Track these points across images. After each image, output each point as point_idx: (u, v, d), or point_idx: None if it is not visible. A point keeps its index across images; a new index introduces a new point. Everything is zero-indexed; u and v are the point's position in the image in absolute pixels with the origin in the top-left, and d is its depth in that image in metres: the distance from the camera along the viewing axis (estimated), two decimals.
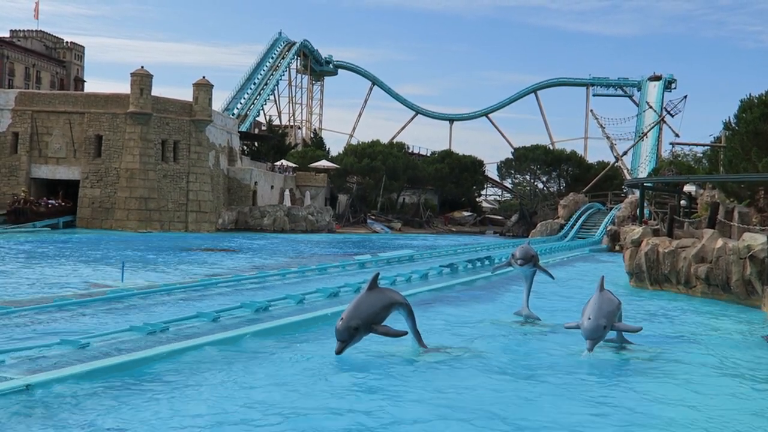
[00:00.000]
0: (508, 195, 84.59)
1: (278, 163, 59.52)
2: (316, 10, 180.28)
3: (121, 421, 6.20)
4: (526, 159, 71.78)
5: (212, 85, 45.84)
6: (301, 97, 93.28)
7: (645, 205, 34.29)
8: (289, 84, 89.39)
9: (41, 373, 7.30)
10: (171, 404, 6.74)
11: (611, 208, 49.26)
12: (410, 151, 75.56)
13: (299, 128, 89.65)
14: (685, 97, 75.01)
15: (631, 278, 19.04)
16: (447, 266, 20.13)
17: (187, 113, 45.01)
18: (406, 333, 9.01)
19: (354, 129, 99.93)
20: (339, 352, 8.21)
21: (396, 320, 9.16)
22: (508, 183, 79.40)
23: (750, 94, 27.19)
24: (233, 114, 69.50)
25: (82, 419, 6.20)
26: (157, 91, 43.72)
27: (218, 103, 74.45)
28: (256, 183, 51.23)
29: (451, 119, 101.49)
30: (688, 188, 32.43)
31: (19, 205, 39.32)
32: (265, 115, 79.54)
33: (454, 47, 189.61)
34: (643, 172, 71.48)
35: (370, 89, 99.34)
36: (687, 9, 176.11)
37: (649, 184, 36.04)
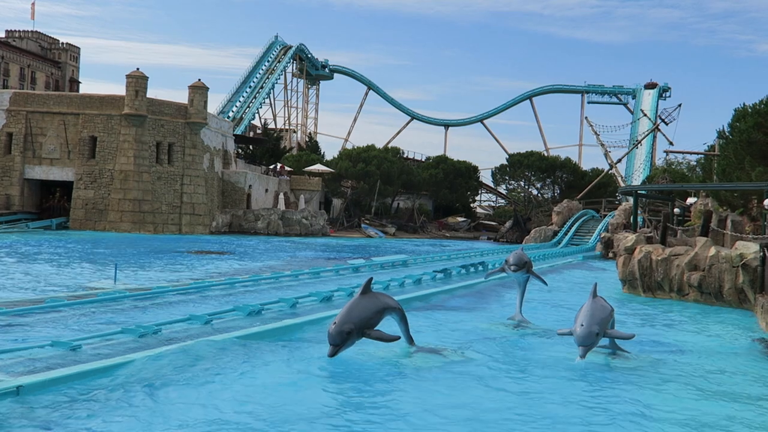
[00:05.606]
0: (502, 201, 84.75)
1: (273, 166, 59.50)
2: (309, 13, 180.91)
3: (113, 423, 6.17)
4: (520, 165, 71.98)
5: (207, 88, 45.79)
6: (297, 100, 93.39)
7: (639, 212, 34.38)
8: (285, 88, 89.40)
9: (32, 375, 7.26)
10: (160, 407, 6.71)
11: (605, 216, 49.38)
12: (405, 156, 75.66)
13: (294, 132, 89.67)
14: (680, 105, 75.56)
15: (624, 285, 19.07)
16: (440, 271, 20.12)
17: (182, 116, 44.95)
18: (399, 338, 9.00)
19: (349, 133, 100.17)
20: (331, 356, 8.19)
21: (389, 325, 9.14)
22: (502, 189, 79.61)
23: (744, 104, 27.34)
24: (228, 117, 69.44)
25: (73, 421, 6.17)
26: (150, 92, 43.76)
27: (213, 105, 74.48)
28: (250, 186, 51.17)
29: (446, 125, 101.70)
30: (691, 201, 32.48)
31: (54, 203, 43.11)
32: (260, 118, 79.58)
33: (448, 53, 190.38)
34: (637, 180, 71.74)
35: (366, 94, 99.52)
36: (678, 17, 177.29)
37: (642, 192, 36.17)
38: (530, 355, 9.98)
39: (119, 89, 44.97)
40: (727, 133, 28.53)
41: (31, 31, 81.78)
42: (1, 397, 6.50)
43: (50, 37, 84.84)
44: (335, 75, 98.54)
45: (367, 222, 62.25)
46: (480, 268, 22.02)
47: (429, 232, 65.44)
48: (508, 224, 64.25)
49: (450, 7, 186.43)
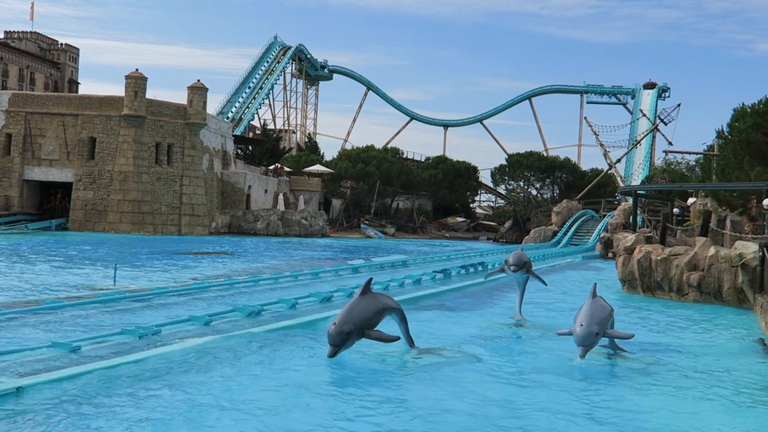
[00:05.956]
0: (501, 201, 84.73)
1: (272, 166, 59.48)
2: (308, 14, 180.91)
3: (113, 424, 6.17)
4: (520, 165, 71.95)
5: (207, 89, 45.74)
6: (296, 101, 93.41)
7: (638, 212, 34.39)
8: (284, 88, 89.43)
9: (32, 376, 7.26)
10: (158, 406, 6.71)
11: (604, 216, 49.38)
12: (404, 156, 75.67)
13: (294, 132, 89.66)
14: (679, 105, 75.60)
15: (624, 285, 19.09)
16: (440, 272, 20.13)
17: (182, 116, 44.93)
18: (398, 338, 9.00)
19: (348, 134, 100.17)
20: (331, 356, 8.20)
21: (389, 325, 9.15)
22: (501, 189, 79.58)
23: (743, 103, 27.34)
24: (228, 117, 69.45)
25: (72, 422, 6.17)
26: (149, 93, 43.70)
27: (213, 106, 74.46)
28: (249, 187, 51.16)
29: (446, 125, 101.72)
30: (692, 201, 32.48)
31: (56, 204, 43.65)
32: (259, 119, 79.59)
33: (447, 53, 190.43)
34: (636, 180, 71.77)
35: (365, 94, 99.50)
36: (677, 17, 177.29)
37: (642, 192, 36.21)
38: (530, 356, 9.98)
39: (118, 90, 44.98)
40: (726, 133, 28.55)
41: (30, 32, 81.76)
42: (1, 399, 6.49)
43: (49, 37, 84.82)
44: (334, 75, 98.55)
45: (367, 222, 62.23)
46: (479, 268, 22.02)
47: (428, 233, 65.42)
48: (507, 224, 64.23)
49: (449, 7, 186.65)
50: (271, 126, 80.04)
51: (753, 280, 15.27)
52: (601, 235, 38.06)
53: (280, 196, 54.99)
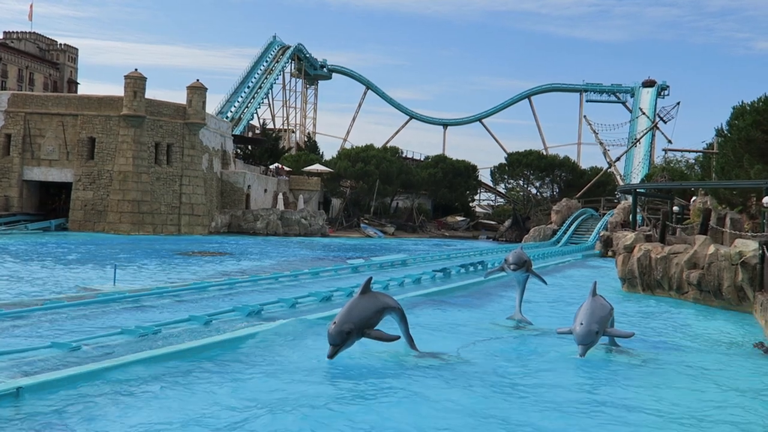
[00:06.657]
0: (501, 200, 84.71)
1: (272, 166, 59.47)
2: (307, 14, 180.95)
3: (109, 425, 6.17)
4: (519, 164, 71.95)
5: (206, 88, 45.69)
6: (295, 100, 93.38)
7: (638, 211, 34.39)
8: (284, 88, 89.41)
9: (32, 377, 7.26)
10: (159, 409, 6.71)
11: (604, 214, 49.38)
12: (404, 155, 75.61)
13: (293, 132, 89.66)
14: (678, 103, 75.49)
15: (624, 284, 19.09)
16: (440, 271, 20.12)
17: (181, 116, 44.90)
18: (398, 337, 9.00)
19: (348, 133, 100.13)
20: (331, 356, 8.20)
21: (389, 325, 9.14)
22: (501, 188, 79.56)
23: (742, 101, 27.28)
24: (227, 117, 69.41)
25: (72, 422, 6.17)
26: (148, 93, 43.62)
27: (212, 106, 74.43)
28: (249, 186, 51.14)
29: (445, 124, 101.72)
30: (694, 199, 32.43)
31: (60, 204, 44.01)
32: (259, 118, 79.57)
33: (446, 52, 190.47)
34: (635, 178, 71.74)
35: (365, 94, 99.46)
36: (675, 15, 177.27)
37: (641, 191, 36.20)
38: (529, 355, 9.98)
39: (118, 90, 45.00)
40: (726, 131, 28.51)
41: (29, 33, 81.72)
42: (1, 399, 6.49)
43: (48, 38, 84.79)
44: (333, 75, 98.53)
45: (366, 222, 62.21)
46: (479, 267, 22.02)
47: (428, 232, 65.39)
48: (507, 223, 64.21)
49: (447, 6, 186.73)
50: (270, 125, 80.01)
51: (753, 278, 15.27)
52: (601, 234, 38.04)
53: (280, 196, 54.98)
